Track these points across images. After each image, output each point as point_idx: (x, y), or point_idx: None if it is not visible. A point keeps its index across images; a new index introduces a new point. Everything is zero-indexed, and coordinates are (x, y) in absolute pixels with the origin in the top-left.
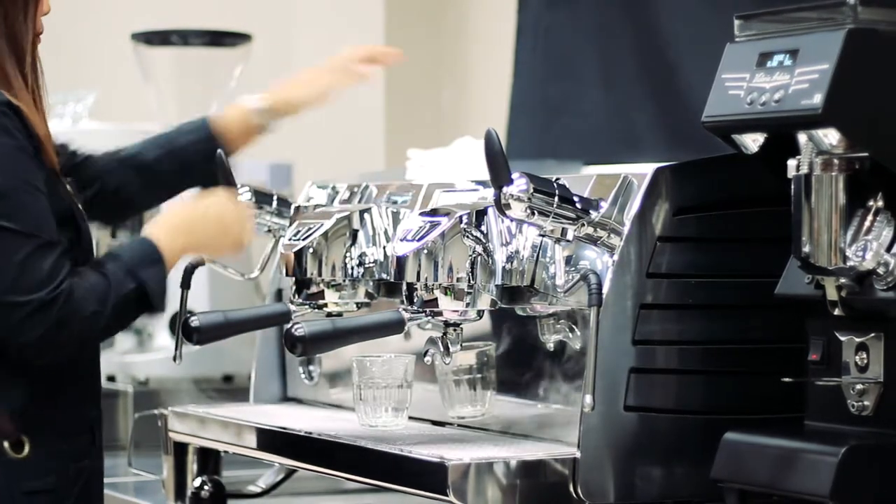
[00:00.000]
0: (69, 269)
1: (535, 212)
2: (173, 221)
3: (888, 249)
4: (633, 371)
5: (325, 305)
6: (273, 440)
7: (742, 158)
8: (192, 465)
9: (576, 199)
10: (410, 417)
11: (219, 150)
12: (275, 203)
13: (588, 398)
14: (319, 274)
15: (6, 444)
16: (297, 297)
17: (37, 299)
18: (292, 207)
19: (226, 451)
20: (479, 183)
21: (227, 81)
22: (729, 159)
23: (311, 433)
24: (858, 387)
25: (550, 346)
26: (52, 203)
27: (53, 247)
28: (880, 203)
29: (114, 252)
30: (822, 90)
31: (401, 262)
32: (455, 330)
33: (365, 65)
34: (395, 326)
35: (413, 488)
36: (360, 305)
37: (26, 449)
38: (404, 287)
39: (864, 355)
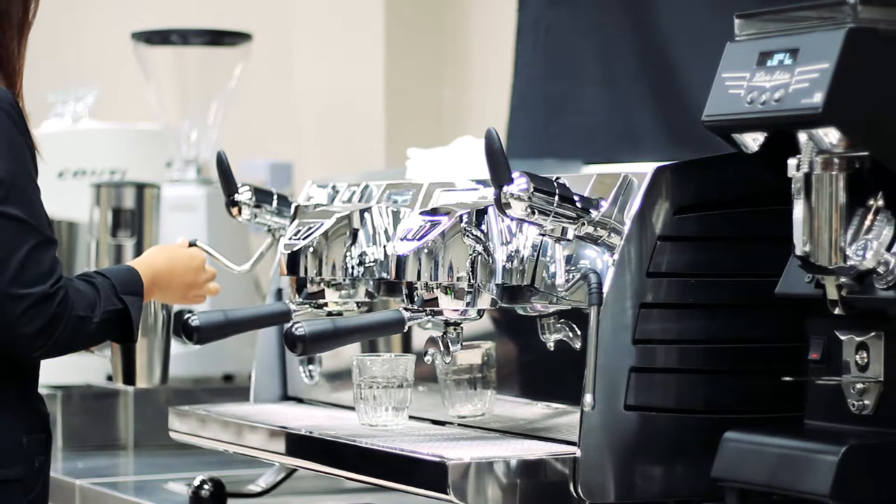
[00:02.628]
0: (61, 269)
1: (536, 211)
2: (153, 265)
3: (888, 248)
4: (633, 370)
5: (326, 305)
6: (273, 439)
7: (742, 158)
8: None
9: (576, 198)
10: (411, 417)
11: (219, 150)
12: (275, 202)
13: (588, 397)
14: (319, 273)
15: None
16: (297, 296)
17: (39, 292)
18: (292, 207)
19: (226, 451)
20: (479, 182)
21: (228, 81)
22: (729, 158)
23: (311, 432)
24: (859, 386)
25: (551, 345)
26: None
27: (53, 244)
28: (880, 202)
29: (101, 271)
30: (823, 89)
31: (401, 261)
32: (455, 329)
33: None
34: (396, 326)
35: (413, 487)
36: (360, 305)
37: None
38: (404, 286)
39: (865, 354)
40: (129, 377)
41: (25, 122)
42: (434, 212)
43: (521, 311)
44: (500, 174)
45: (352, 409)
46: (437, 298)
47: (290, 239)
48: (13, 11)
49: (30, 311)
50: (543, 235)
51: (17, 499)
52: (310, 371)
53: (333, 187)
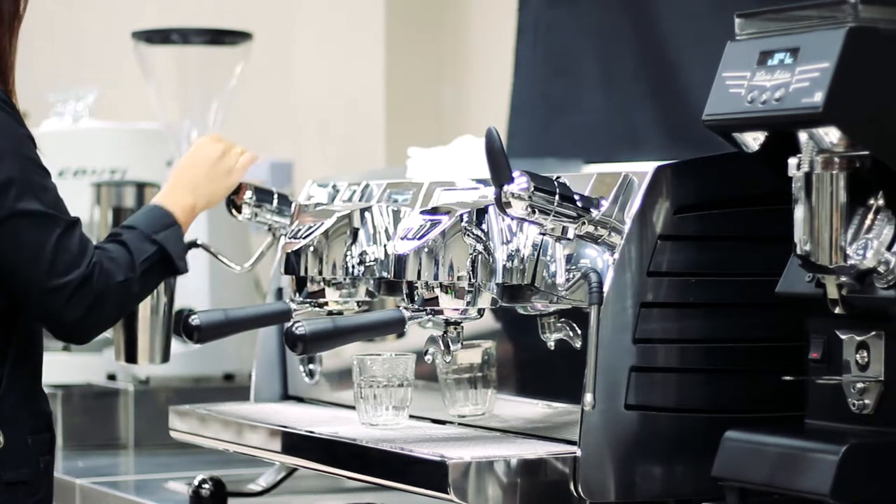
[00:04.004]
0: (92, 244)
1: (536, 210)
2: (174, 184)
3: (889, 248)
4: (633, 369)
5: (326, 304)
6: (273, 439)
7: (743, 157)
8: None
9: (576, 197)
10: (411, 416)
11: None
12: (275, 201)
13: (588, 397)
14: (320, 272)
15: None
16: (297, 295)
17: (76, 278)
18: (293, 206)
19: (226, 450)
20: (479, 181)
21: (228, 80)
22: (730, 158)
23: (311, 432)
24: (859, 385)
25: (551, 344)
26: None
27: (76, 225)
28: (881, 201)
29: (127, 223)
30: (823, 88)
31: (401, 260)
32: (456, 328)
33: None
34: (396, 325)
35: (414, 487)
36: (360, 304)
37: (2, 441)
38: (405, 285)
39: (865, 354)
40: (132, 356)
41: (19, 117)
42: (434, 211)
43: (521, 311)
44: (500, 173)
45: (352, 408)
46: (437, 298)
47: (290, 238)
48: (4, 6)
49: (73, 298)
50: (544, 235)
51: (23, 500)
52: (310, 370)
53: (334, 186)
